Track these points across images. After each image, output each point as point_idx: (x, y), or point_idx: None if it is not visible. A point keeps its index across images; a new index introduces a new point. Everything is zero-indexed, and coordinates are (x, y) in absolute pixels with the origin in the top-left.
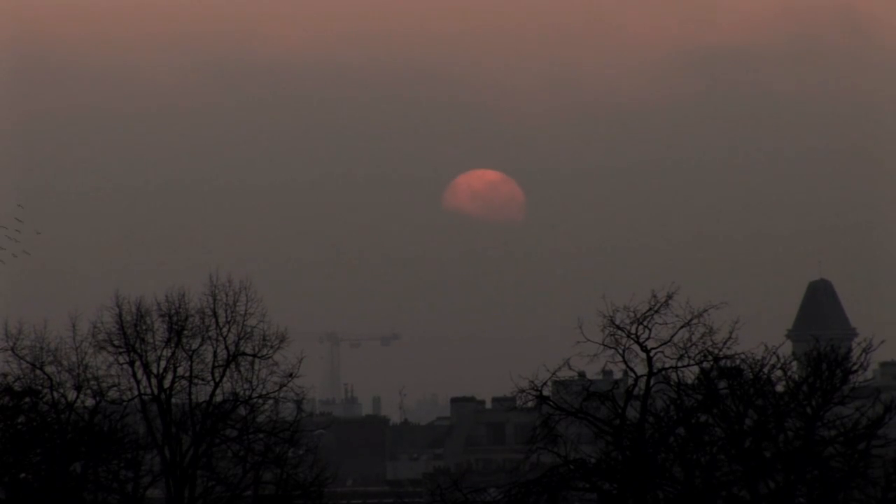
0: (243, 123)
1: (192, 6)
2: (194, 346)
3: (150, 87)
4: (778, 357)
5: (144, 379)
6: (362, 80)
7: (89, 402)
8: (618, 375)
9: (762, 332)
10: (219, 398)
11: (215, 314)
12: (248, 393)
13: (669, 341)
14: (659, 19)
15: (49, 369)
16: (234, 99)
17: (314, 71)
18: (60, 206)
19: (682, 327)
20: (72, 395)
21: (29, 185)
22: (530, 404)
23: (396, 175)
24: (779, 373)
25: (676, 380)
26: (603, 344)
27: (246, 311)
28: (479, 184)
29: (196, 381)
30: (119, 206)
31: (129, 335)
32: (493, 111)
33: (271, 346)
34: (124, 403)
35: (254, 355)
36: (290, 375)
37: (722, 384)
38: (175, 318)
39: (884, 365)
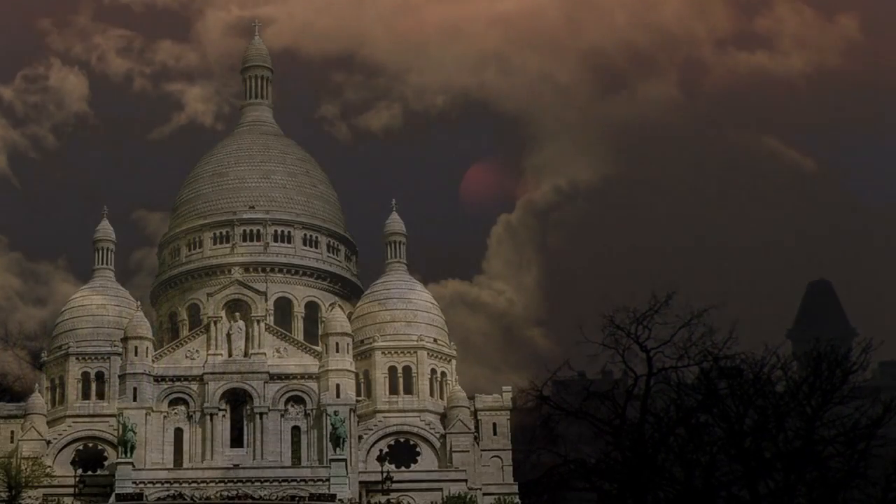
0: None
1: None
2: None
3: None
4: (778, 357)
5: None
6: None
7: None
8: (618, 375)
9: (762, 332)
10: None
11: None
12: None
13: (669, 341)
14: None
15: None
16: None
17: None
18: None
19: (681, 327)
20: None
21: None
22: (530, 404)
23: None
24: (779, 373)
25: (676, 380)
26: (603, 344)
27: None
28: (479, 181)
29: None
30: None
31: None
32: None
33: None
34: None
35: None
36: None
37: (722, 384)
38: None
39: (884, 365)
